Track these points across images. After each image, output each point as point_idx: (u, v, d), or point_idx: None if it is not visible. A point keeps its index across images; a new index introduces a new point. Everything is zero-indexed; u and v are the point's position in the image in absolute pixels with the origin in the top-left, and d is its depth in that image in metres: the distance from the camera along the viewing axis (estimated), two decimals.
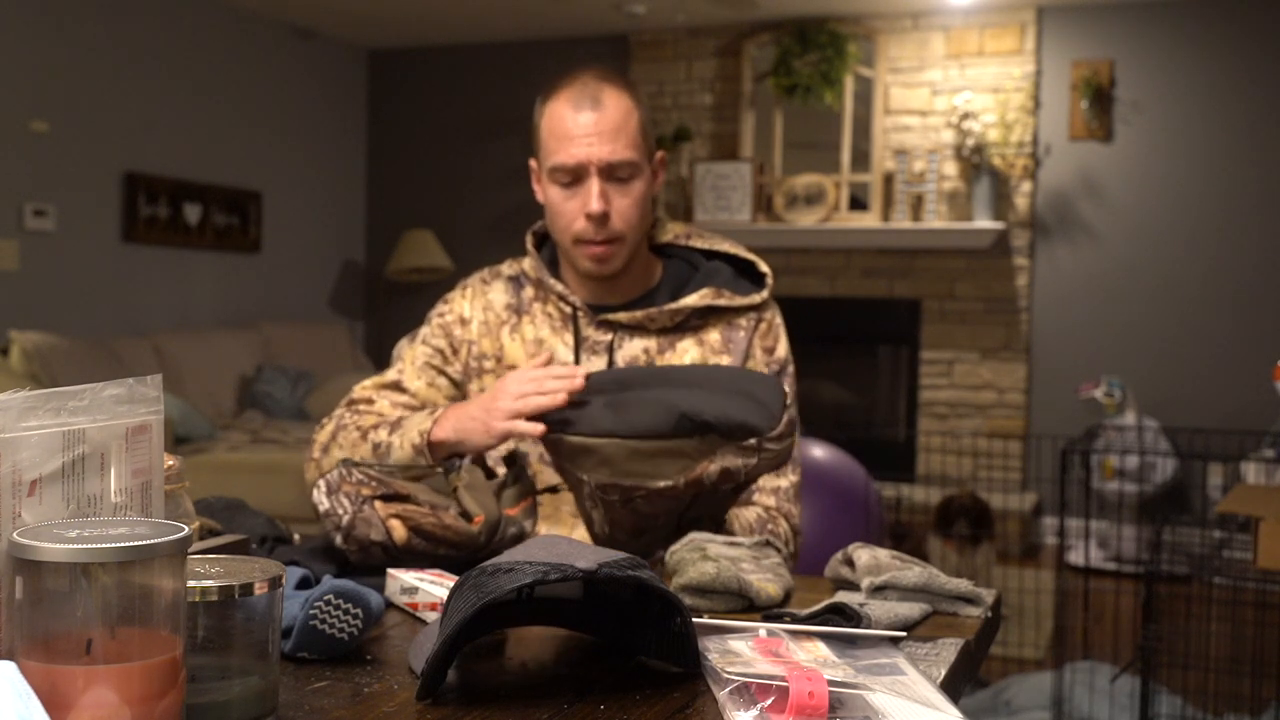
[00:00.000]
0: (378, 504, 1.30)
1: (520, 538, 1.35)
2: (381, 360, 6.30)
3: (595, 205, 1.60)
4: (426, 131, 6.77)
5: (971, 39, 5.65)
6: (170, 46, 5.57)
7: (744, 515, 1.57)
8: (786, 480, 1.65)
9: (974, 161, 5.46)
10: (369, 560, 1.29)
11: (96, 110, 5.21)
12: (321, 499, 1.31)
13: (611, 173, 1.62)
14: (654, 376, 1.43)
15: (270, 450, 4.74)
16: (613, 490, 1.36)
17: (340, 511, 1.29)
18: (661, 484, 1.33)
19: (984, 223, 5.47)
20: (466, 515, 1.34)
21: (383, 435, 1.59)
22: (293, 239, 6.34)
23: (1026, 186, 5.56)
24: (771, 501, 1.63)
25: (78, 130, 5.12)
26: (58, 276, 5.06)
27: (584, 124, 1.60)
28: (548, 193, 1.66)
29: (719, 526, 1.47)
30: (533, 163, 1.72)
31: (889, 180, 5.73)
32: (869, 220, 5.71)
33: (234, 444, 4.82)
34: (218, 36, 5.85)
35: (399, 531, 1.29)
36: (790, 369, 1.70)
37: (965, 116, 5.43)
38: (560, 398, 1.40)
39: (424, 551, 1.30)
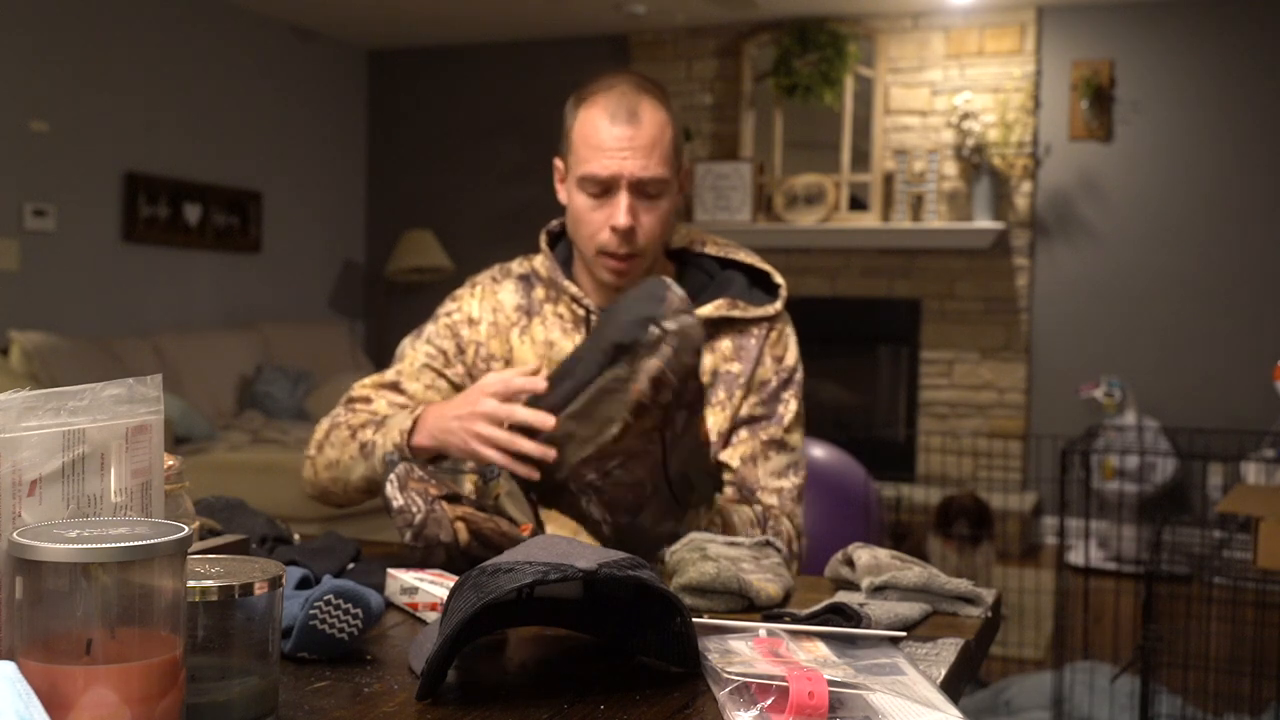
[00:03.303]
0: (444, 504, 1.31)
1: None
2: (382, 360, 6.29)
3: (623, 220, 1.58)
4: (426, 131, 6.77)
5: (971, 39, 5.65)
6: (170, 46, 5.57)
7: (743, 511, 1.57)
8: (789, 482, 1.64)
9: (974, 161, 5.46)
10: (430, 560, 1.31)
11: (96, 110, 5.20)
12: (395, 495, 1.32)
13: (641, 188, 1.60)
14: (575, 351, 1.46)
15: (270, 450, 4.73)
16: (589, 468, 1.37)
17: (414, 510, 1.30)
18: (615, 429, 1.34)
19: (984, 223, 5.46)
20: (513, 522, 1.36)
21: (369, 434, 1.59)
22: (293, 239, 6.34)
23: (1026, 186, 5.56)
24: (774, 501, 1.62)
25: (78, 130, 5.12)
26: (58, 276, 5.05)
27: (619, 137, 1.58)
28: (574, 199, 1.64)
29: (716, 483, 1.47)
30: (558, 162, 1.69)
31: (889, 180, 5.73)
32: (869, 220, 5.71)
33: (234, 444, 4.82)
34: (218, 36, 5.85)
35: (463, 534, 1.31)
36: (798, 376, 1.70)
37: (965, 116, 5.43)
38: (538, 451, 1.39)
39: (476, 556, 1.31)
